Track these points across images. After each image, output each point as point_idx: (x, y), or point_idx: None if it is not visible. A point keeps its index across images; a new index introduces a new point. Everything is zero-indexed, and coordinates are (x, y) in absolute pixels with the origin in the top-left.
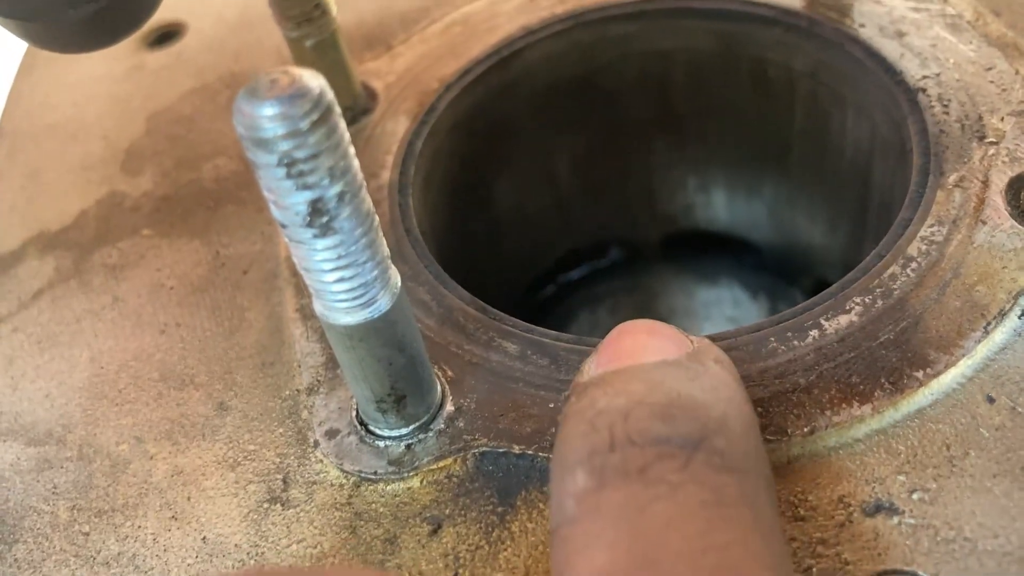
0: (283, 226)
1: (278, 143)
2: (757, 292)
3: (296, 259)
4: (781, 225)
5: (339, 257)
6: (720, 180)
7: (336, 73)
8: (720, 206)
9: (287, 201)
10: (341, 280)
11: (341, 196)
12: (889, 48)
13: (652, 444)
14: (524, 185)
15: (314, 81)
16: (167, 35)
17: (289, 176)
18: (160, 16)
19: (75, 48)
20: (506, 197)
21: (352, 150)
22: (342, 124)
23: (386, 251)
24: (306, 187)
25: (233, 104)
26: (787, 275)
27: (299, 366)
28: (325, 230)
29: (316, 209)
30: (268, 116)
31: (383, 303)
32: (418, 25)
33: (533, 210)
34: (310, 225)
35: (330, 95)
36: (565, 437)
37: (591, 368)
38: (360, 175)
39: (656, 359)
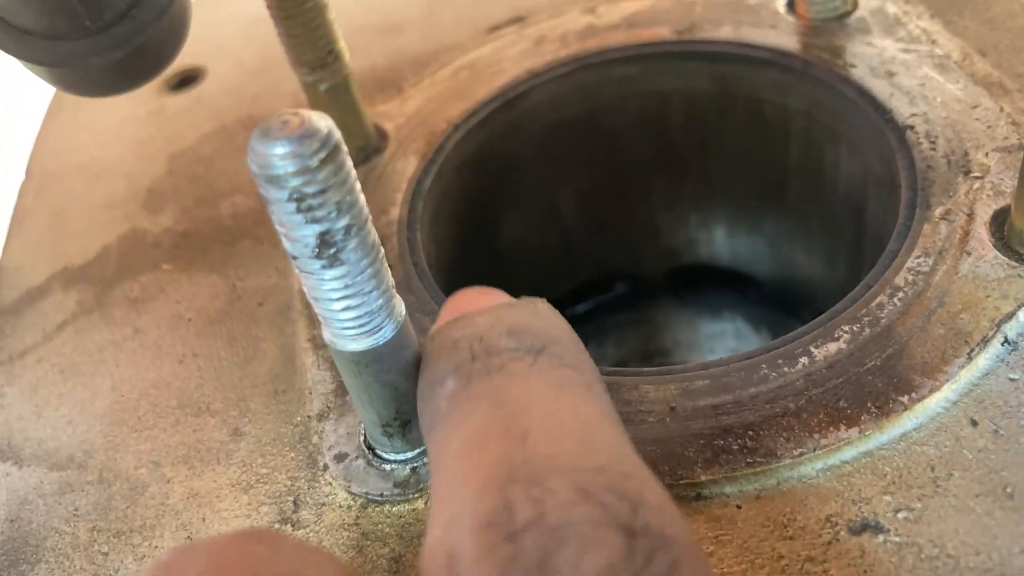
0: (294, 258)
1: (288, 179)
2: (759, 325)
3: (306, 289)
4: (781, 259)
5: (346, 287)
6: (721, 216)
7: (349, 115)
8: (722, 241)
9: (297, 234)
10: (348, 308)
11: (348, 229)
12: (880, 87)
13: (506, 352)
14: (530, 221)
15: (322, 122)
16: (187, 79)
17: (299, 211)
18: (181, 61)
19: (101, 92)
20: (512, 233)
21: (358, 186)
22: (349, 162)
23: (391, 281)
24: (315, 220)
25: (248, 144)
26: (788, 308)
27: (310, 393)
28: (333, 261)
29: (324, 241)
30: (279, 155)
31: (388, 331)
32: (427, 69)
33: (539, 245)
34: (319, 256)
35: (337, 135)
36: (429, 361)
37: (438, 322)
38: (366, 209)
39: (495, 301)
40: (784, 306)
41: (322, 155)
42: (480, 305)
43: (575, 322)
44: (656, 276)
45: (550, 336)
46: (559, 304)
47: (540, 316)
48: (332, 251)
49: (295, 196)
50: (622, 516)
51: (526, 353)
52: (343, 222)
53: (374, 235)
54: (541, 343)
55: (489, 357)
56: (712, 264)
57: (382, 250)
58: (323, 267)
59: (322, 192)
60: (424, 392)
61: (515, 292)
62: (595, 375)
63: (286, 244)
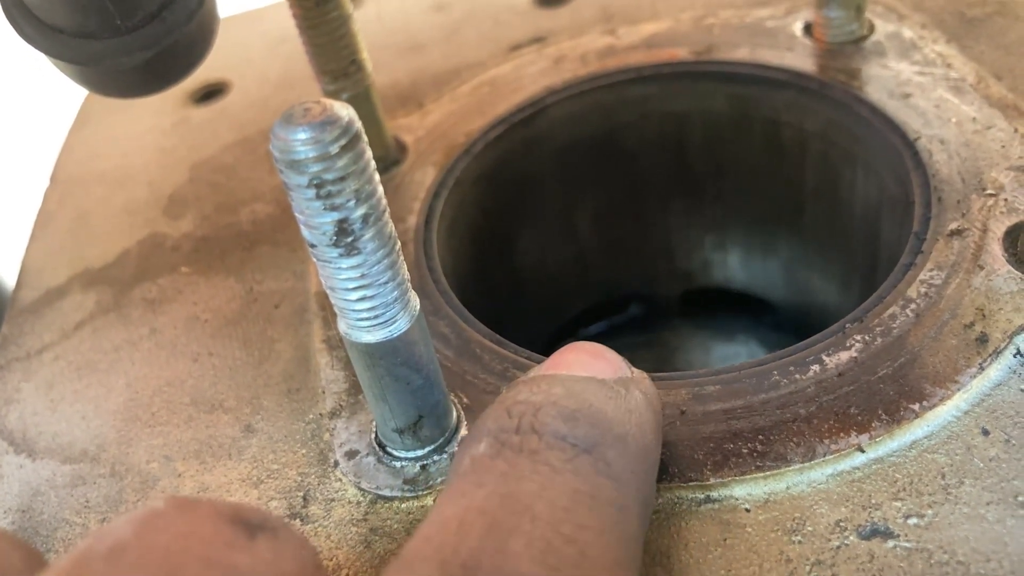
0: (312, 246)
1: (309, 165)
2: (773, 349)
3: (323, 279)
4: (796, 283)
5: (362, 276)
6: (737, 238)
7: (369, 125)
8: (737, 264)
9: (316, 221)
10: (364, 299)
11: (365, 218)
12: (895, 109)
13: (551, 437)
14: (546, 239)
15: (343, 111)
16: (213, 92)
17: (318, 197)
18: (207, 75)
19: (127, 93)
20: (528, 250)
21: (377, 176)
22: (368, 152)
23: (407, 275)
24: (333, 208)
25: (270, 130)
26: (803, 332)
27: (323, 392)
28: (350, 250)
29: (342, 229)
30: (301, 140)
31: (402, 323)
32: (448, 86)
33: (554, 264)
34: (336, 245)
35: (358, 124)
36: (483, 416)
37: (533, 371)
38: (384, 200)
39: (587, 375)
40: (798, 330)
41: (342, 142)
42: (580, 366)
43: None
44: (670, 298)
45: (614, 434)
46: (573, 324)
47: (623, 406)
48: (349, 239)
49: (315, 182)
50: None
51: (571, 446)
52: (361, 211)
53: (391, 227)
54: (595, 440)
55: (531, 435)
56: (726, 287)
57: (399, 243)
58: (340, 255)
59: (341, 179)
60: (463, 442)
61: (530, 311)
62: (638, 494)
63: (304, 232)
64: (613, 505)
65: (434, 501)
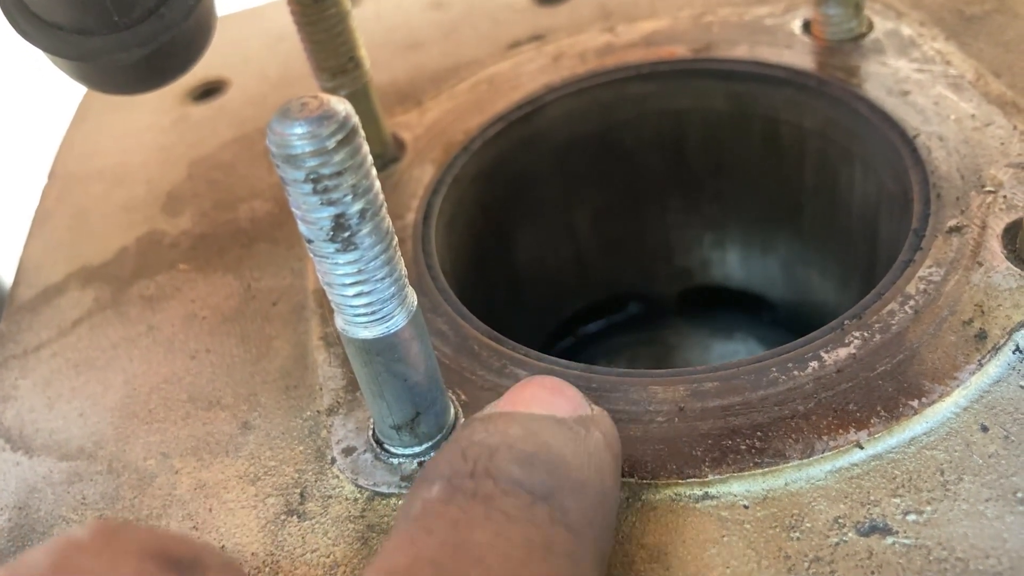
0: (309, 241)
1: (305, 160)
2: (772, 346)
3: (320, 275)
4: (795, 281)
5: (359, 271)
6: (735, 237)
7: (367, 122)
8: (735, 262)
9: (313, 216)
10: (360, 295)
11: (363, 213)
12: (894, 106)
13: (506, 482)
14: (544, 237)
15: (340, 106)
16: (211, 90)
17: (315, 192)
18: (205, 73)
19: (125, 90)
20: (527, 248)
21: (374, 172)
22: (365, 147)
23: (404, 271)
24: (330, 203)
25: (267, 125)
26: (802, 330)
27: (321, 389)
28: (347, 245)
29: (339, 224)
30: (297, 135)
31: (399, 319)
32: (447, 83)
33: (553, 262)
34: (333, 240)
35: (355, 119)
36: (436, 457)
37: (489, 408)
38: (381, 195)
39: (546, 412)
40: (797, 328)
41: (339, 137)
42: (539, 403)
43: (587, 341)
44: (669, 296)
45: (571, 481)
46: (572, 322)
47: (582, 448)
48: (346, 234)
49: (311, 177)
50: None
51: (527, 494)
52: (358, 206)
53: (388, 222)
54: (551, 488)
55: (486, 480)
56: (725, 285)
57: (396, 238)
58: (337, 251)
59: (338, 174)
60: (415, 484)
61: (528, 309)
62: (594, 545)
63: (302, 227)
64: (568, 557)
65: (380, 547)
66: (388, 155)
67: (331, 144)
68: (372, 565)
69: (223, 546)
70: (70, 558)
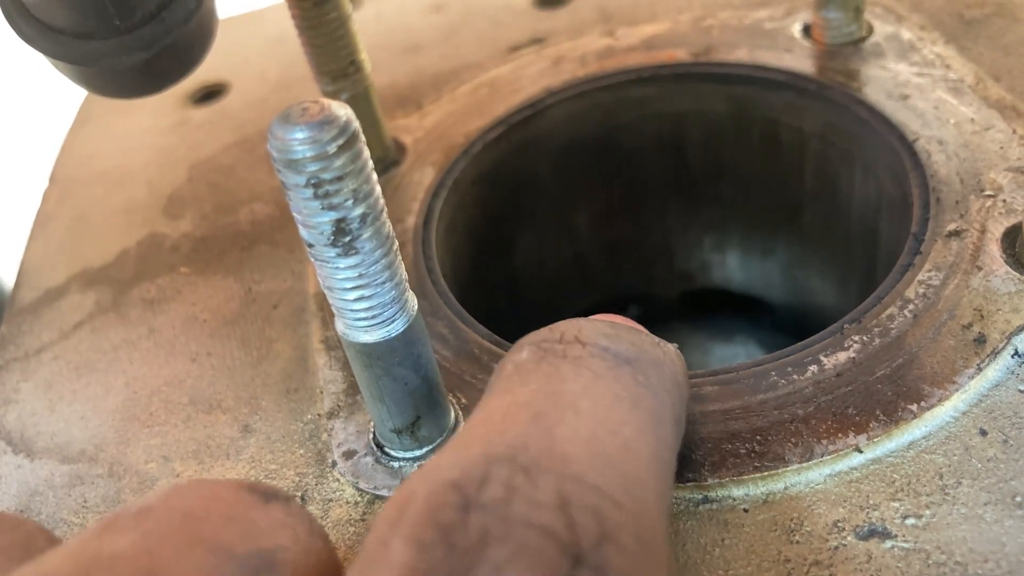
0: (310, 245)
1: (306, 165)
2: (772, 349)
3: (321, 279)
4: (795, 284)
5: (360, 276)
6: (735, 240)
7: (368, 126)
8: (735, 265)
9: (314, 221)
10: (361, 299)
11: (363, 218)
12: (894, 110)
13: (593, 347)
14: (544, 240)
15: (341, 110)
16: (212, 93)
17: (316, 197)
18: (206, 76)
19: (126, 93)
20: (527, 251)
21: (375, 176)
22: (366, 151)
23: (404, 275)
24: (331, 207)
25: (268, 129)
26: (801, 333)
27: (321, 392)
28: (348, 249)
29: (340, 229)
30: (298, 139)
31: (400, 323)
32: (447, 87)
33: (553, 264)
34: (334, 244)
35: (356, 124)
36: (527, 336)
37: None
38: (382, 200)
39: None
40: (796, 331)
41: (340, 142)
42: (630, 326)
43: None
44: (669, 299)
45: (651, 357)
46: None
47: (660, 348)
48: (347, 239)
49: (312, 182)
50: (582, 542)
51: (613, 356)
52: (359, 210)
53: (389, 227)
54: (635, 356)
55: (575, 344)
56: (725, 288)
57: (396, 242)
58: (338, 255)
59: (339, 179)
60: (507, 354)
61: (528, 312)
62: (672, 411)
63: (302, 232)
64: (651, 412)
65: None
66: (388, 158)
67: (332, 149)
68: (470, 419)
69: None
70: (176, 490)
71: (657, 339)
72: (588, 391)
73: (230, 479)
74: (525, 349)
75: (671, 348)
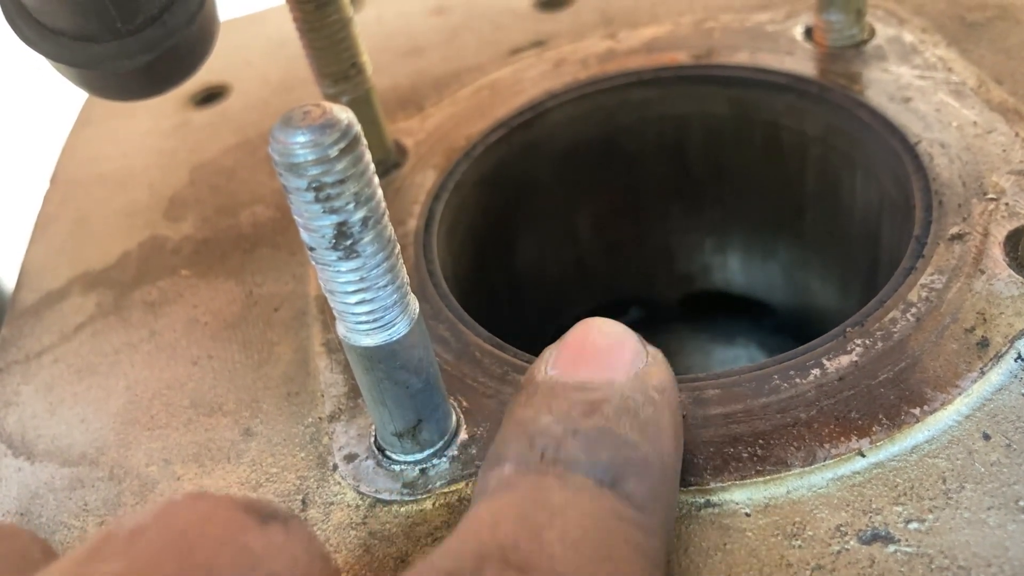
0: (311, 249)
1: (308, 168)
2: (773, 352)
3: (322, 282)
4: (796, 287)
5: (361, 279)
6: (736, 242)
7: (369, 129)
8: (737, 268)
9: (315, 224)
10: (363, 302)
11: (365, 221)
12: (896, 112)
13: (574, 470)
14: (545, 242)
15: (343, 114)
16: (213, 95)
17: (317, 200)
18: (207, 78)
19: (127, 96)
20: (528, 253)
21: (376, 179)
22: (368, 155)
23: (406, 278)
24: (333, 211)
25: (269, 132)
26: (803, 336)
27: (322, 395)
28: (349, 253)
29: (341, 232)
30: (300, 143)
31: (401, 327)
32: (448, 89)
33: (554, 267)
34: (335, 248)
35: (357, 127)
36: (504, 440)
37: (549, 365)
38: (383, 203)
39: (606, 376)
40: (798, 334)
41: (341, 145)
42: (603, 357)
43: None
44: (670, 301)
45: (636, 459)
46: None
47: (642, 421)
48: (349, 242)
49: (314, 185)
50: None
51: (595, 481)
52: (360, 214)
53: (390, 230)
54: (618, 472)
55: (556, 465)
56: (727, 290)
57: (398, 246)
58: (339, 259)
59: (340, 182)
60: (485, 465)
61: (529, 314)
62: (662, 520)
63: (304, 235)
64: (637, 527)
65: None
66: (390, 161)
67: (333, 152)
68: (461, 523)
69: None
70: (169, 509)
71: (642, 359)
72: (571, 504)
73: (228, 496)
74: (507, 464)
75: (658, 376)
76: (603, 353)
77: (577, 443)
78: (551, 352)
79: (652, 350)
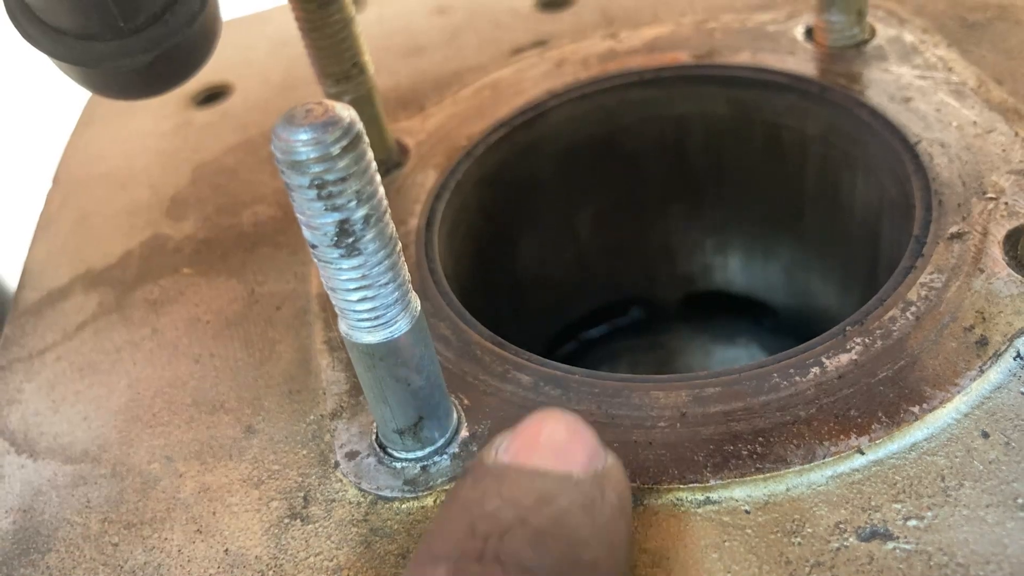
0: (313, 246)
1: (310, 166)
2: (774, 352)
3: (324, 280)
4: (797, 286)
5: (363, 277)
6: (737, 242)
7: (371, 128)
8: (737, 267)
9: (317, 222)
10: (364, 300)
11: (367, 219)
12: (896, 112)
13: (516, 569)
14: (547, 241)
15: (345, 112)
16: (215, 95)
17: (320, 198)
18: (209, 78)
19: (129, 95)
20: (529, 253)
21: (378, 178)
22: (370, 153)
23: (407, 276)
24: (334, 209)
25: (272, 130)
26: (803, 335)
27: (324, 393)
28: (351, 250)
29: (343, 230)
30: (302, 141)
31: (403, 324)
32: (450, 89)
33: (555, 266)
34: (337, 245)
35: (359, 126)
36: (444, 524)
37: (501, 450)
38: (385, 201)
39: (562, 469)
40: (799, 333)
41: (343, 143)
42: (555, 453)
43: (589, 346)
44: (671, 301)
45: (584, 562)
46: (574, 326)
47: (595, 519)
48: (350, 240)
49: (316, 183)
50: None
51: None
52: (362, 212)
53: (392, 228)
54: (566, 572)
55: (495, 566)
56: (727, 290)
57: (399, 244)
58: (341, 256)
59: (342, 180)
60: (420, 553)
61: (530, 314)
62: None
63: (306, 233)
64: None
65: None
66: (391, 160)
67: (336, 150)
68: None
69: (227, 549)
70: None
71: (600, 461)
72: None
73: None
74: (440, 567)
75: (613, 480)
76: (561, 446)
77: (524, 536)
78: (503, 439)
79: (611, 453)
